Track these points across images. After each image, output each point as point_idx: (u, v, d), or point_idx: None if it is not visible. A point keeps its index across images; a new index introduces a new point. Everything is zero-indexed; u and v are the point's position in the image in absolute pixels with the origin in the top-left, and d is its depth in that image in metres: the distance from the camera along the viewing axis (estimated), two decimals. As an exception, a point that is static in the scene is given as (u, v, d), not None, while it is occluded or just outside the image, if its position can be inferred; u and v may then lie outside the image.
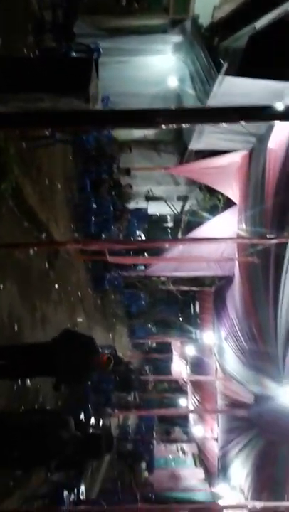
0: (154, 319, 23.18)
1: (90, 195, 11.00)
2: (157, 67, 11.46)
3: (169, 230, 21.11)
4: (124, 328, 20.98)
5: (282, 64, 8.46)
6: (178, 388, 22.31)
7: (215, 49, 10.24)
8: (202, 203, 15.97)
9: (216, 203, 14.42)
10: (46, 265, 7.73)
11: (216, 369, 12.27)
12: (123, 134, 14.29)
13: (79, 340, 4.96)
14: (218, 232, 10.31)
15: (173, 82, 11.64)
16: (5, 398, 5.42)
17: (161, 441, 20.88)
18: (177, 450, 19.49)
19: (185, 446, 19.55)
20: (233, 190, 10.28)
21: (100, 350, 5.19)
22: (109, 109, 8.14)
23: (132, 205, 16.96)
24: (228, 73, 9.28)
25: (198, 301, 17.57)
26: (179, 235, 17.01)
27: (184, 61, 11.08)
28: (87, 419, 8.61)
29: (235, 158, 9.62)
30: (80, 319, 10.09)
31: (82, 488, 7.41)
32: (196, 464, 17.87)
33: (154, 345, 25.43)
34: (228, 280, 11.10)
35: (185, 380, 18.07)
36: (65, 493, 6.61)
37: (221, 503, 11.48)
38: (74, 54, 8.24)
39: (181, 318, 22.20)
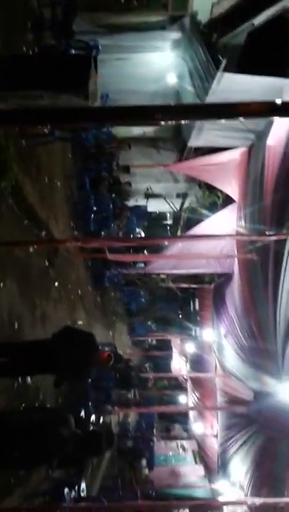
0: (154, 317, 23.19)
1: (90, 193, 11.00)
2: (156, 64, 11.45)
3: (168, 227, 21.12)
4: (124, 326, 20.99)
5: (280, 60, 8.46)
6: (178, 385, 22.35)
7: (214, 46, 10.23)
8: (201, 200, 15.98)
9: (215, 200, 14.43)
10: (46, 263, 7.73)
11: (216, 366, 12.31)
12: (122, 131, 14.27)
13: (79, 337, 4.96)
14: (217, 230, 10.32)
15: (172, 79, 11.63)
16: (5, 396, 5.43)
17: (162, 439, 20.95)
18: (177, 447, 19.55)
19: (185, 443, 19.61)
20: (232, 187, 10.29)
21: (99, 346, 5.19)
22: (109, 106, 8.12)
23: (131, 202, 16.96)
24: (226, 70, 9.28)
25: (197, 299, 17.59)
26: (179, 233, 17.00)
27: (183, 58, 11.06)
28: (88, 416, 8.62)
29: (235, 155, 9.63)
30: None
31: (83, 485, 7.42)
32: (196, 461, 17.92)
33: (154, 342, 25.47)
34: (227, 277, 11.12)
35: (185, 377, 18.10)
36: (66, 490, 6.61)
37: (220, 499, 11.53)
38: (73, 51, 8.24)
39: (180, 316, 22.24)
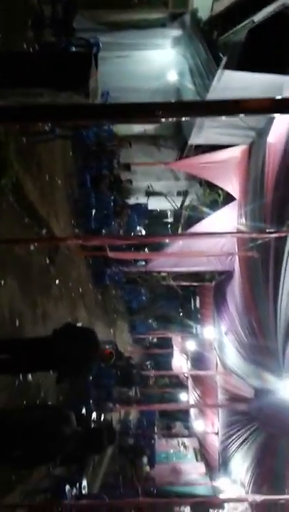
0: (155, 314, 23.22)
1: (90, 191, 10.99)
2: (157, 61, 11.43)
3: (169, 225, 21.11)
4: (125, 324, 21.02)
5: (281, 57, 8.45)
6: (179, 383, 22.40)
7: (214, 43, 10.20)
8: (202, 198, 15.95)
9: (216, 197, 14.42)
10: (47, 261, 7.74)
11: (217, 364, 12.32)
12: (123, 129, 14.25)
13: (80, 333, 4.97)
14: (218, 227, 10.32)
15: (172, 77, 11.61)
16: (7, 394, 5.44)
17: (163, 436, 21.01)
18: (178, 444, 19.61)
19: (186, 440, 19.67)
20: (232, 185, 10.29)
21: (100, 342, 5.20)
22: (109, 103, 8.12)
23: (132, 200, 16.96)
24: (227, 67, 9.26)
25: (198, 296, 17.61)
26: (179, 230, 16.99)
27: (184, 55, 11.04)
28: (89, 414, 8.64)
29: (235, 153, 9.62)
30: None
31: (84, 482, 7.45)
32: (197, 459, 17.97)
33: (155, 340, 25.50)
34: (228, 275, 11.12)
35: (186, 374, 18.12)
36: (67, 487, 6.64)
37: (222, 496, 11.57)
38: (73, 49, 8.21)
39: (181, 314, 22.25)
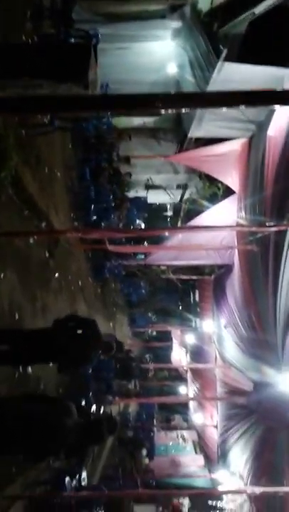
0: (154, 308, 23.28)
1: (90, 184, 10.96)
2: (157, 53, 11.35)
3: (168, 218, 21.07)
4: (125, 317, 21.05)
5: (281, 50, 8.40)
6: (178, 376, 22.49)
7: (214, 35, 10.12)
8: (202, 192, 15.92)
9: (216, 191, 14.39)
10: (46, 254, 7.73)
11: (216, 357, 12.36)
12: (122, 121, 14.20)
13: (81, 322, 4.98)
14: (217, 221, 10.30)
15: (172, 69, 11.54)
16: (6, 386, 5.45)
17: (162, 429, 21.13)
18: (177, 437, 19.74)
19: (185, 433, 19.80)
20: (232, 179, 10.26)
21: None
22: (109, 94, 8.07)
23: (131, 193, 16.90)
24: (227, 59, 9.21)
25: (197, 290, 17.62)
26: (179, 224, 16.98)
27: (184, 47, 10.97)
28: (88, 406, 8.67)
29: (235, 146, 9.59)
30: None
31: (84, 474, 7.47)
32: (196, 451, 18.10)
33: (154, 333, 25.57)
34: (227, 268, 11.13)
35: (185, 368, 18.19)
36: (67, 479, 6.67)
37: (220, 488, 11.64)
38: (73, 40, 8.15)
39: (180, 307, 22.31)
